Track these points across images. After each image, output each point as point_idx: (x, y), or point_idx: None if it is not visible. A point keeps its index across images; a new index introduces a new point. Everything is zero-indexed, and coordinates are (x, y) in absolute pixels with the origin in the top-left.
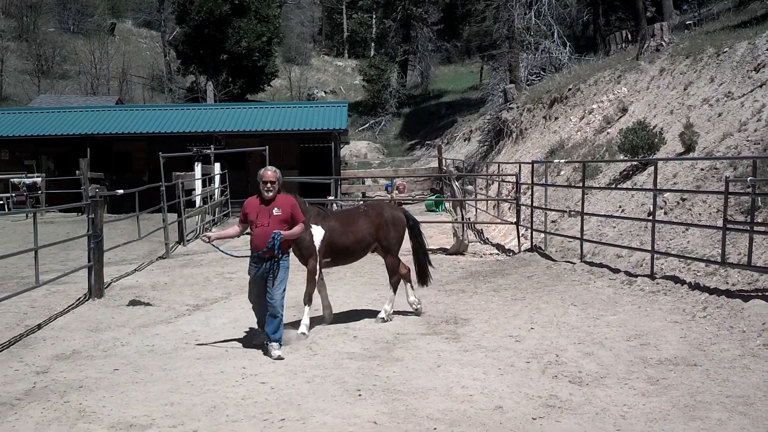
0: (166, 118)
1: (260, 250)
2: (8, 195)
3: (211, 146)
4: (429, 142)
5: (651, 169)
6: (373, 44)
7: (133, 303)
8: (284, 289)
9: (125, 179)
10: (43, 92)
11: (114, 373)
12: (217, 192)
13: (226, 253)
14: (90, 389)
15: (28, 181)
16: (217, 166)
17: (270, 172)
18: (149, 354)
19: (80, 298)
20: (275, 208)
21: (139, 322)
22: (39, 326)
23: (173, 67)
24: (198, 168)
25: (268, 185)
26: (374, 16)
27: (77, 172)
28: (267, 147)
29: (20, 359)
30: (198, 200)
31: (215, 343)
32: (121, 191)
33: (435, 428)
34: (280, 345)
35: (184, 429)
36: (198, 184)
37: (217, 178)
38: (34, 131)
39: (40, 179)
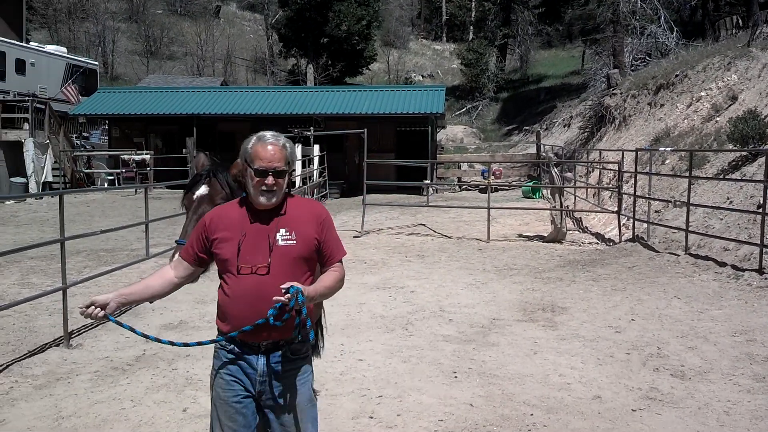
0: (268, 100)
1: (250, 327)
2: (119, 171)
3: (311, 128)
4: (527, 127)
5: (761, 159)
6: (471, 28)
7: None
8: None
9: (229, 158)
10: (152, 72)
11: None
12: (315, 173)
13: (148, 337)
14: (196, 358)
15: (137, 157)
16: (316, 147)
17: (273, 147)
18: None
19: None
20: (282, 230)
21: None
22: None
23: (275, 50)
24: (298, 149)
25: (269, 178)
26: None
27: (183, 150)
28: (365, 129)
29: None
30: (298, 180)
31: None
32: None
33: (532, 414)
34: None
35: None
36: (298, 165)
37: (316, 160)
38: (144, 110)
39: (148, 156)
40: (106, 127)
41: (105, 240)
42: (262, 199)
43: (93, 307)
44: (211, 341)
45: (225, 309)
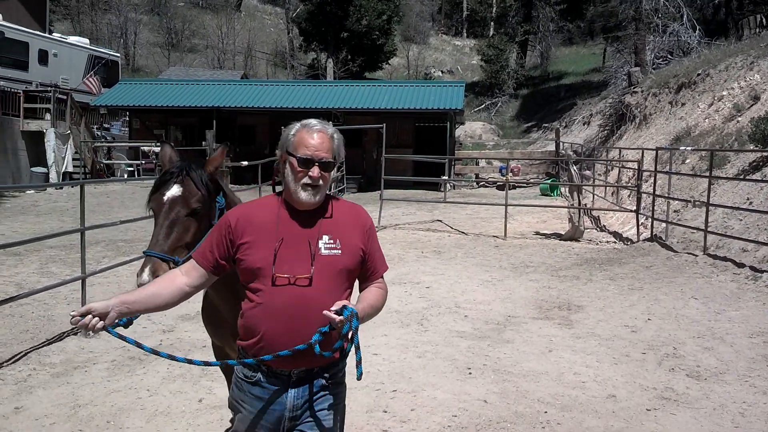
0: (288, 94)
1: (288, 353)
2: (139, 162)
3: (330, 122)
4: (546, 124)
5: None
6: (492, 24)
7: None
8: None
9: (248, 151)
10: (173, 65)
11: None
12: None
13: (158, 354)
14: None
15: (157, 149)
16: None
17: (320, 135)
18: None
19: None
20: (326, 236)
21: None
22: None
23: (295, 44)
24: None
25: (315, 169)
26: None
27: (203, 143)
28: (384, 125)
29: (148, 318)
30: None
31: None
32: (245, 163)
33: (546, 411)
34: None
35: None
36: None
37: None
38: (164, 102)
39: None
40: (127, 119)
41: (124, 230)
42: (304, 195)
43: (90, 316)
44: (240, 363)
45: (253, 326)
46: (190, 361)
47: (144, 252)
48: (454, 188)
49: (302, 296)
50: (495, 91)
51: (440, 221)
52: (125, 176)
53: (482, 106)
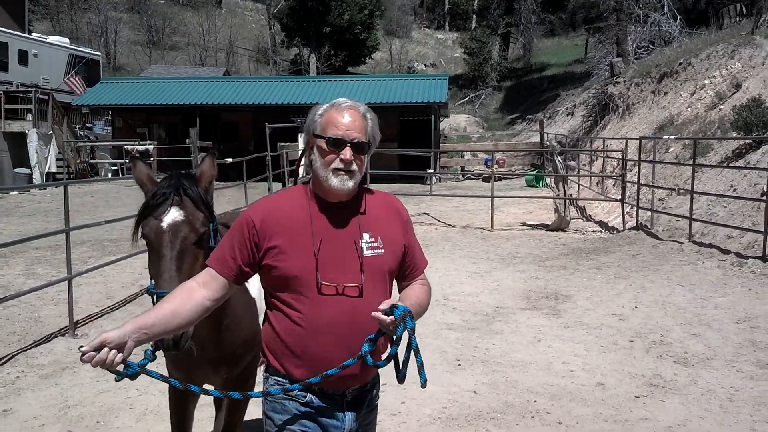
0: (271, 90)
1: (336, 371)
2: (122, 161)
3: None
4: (530, 116)
5: (765, 147)
6: (474, 16)
7: None
8: None
9: (232, 148)
10: (154, 63)
11: None
12: None
13: (190, 388)
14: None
15: (140, 148)
16: None
17: (352, 113)
18: None
19: None
20: (366, 234)
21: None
22: None
23: (277, 40)
24: (301, 139)
25: (347, 151)
26: None
27: (187, 140)
28: None
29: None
30: (301, 170)
31: None
32: (229, 160)
33: (535, 401)
34: None
35: None
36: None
37: None
38: (146, 100)
39: (151, 147)
40: (109, 118)
41: (109, 230)
42: (335, 182)
43: (105, 350)
44: (284, 391)
45: (297, 344)
46: (227, 395)
47: (148, 290)
48: (440, 181)
49: (353, 308)
50: (478, 84)
51: (427, 214)
52: (109, 175)
53: (466, 98)
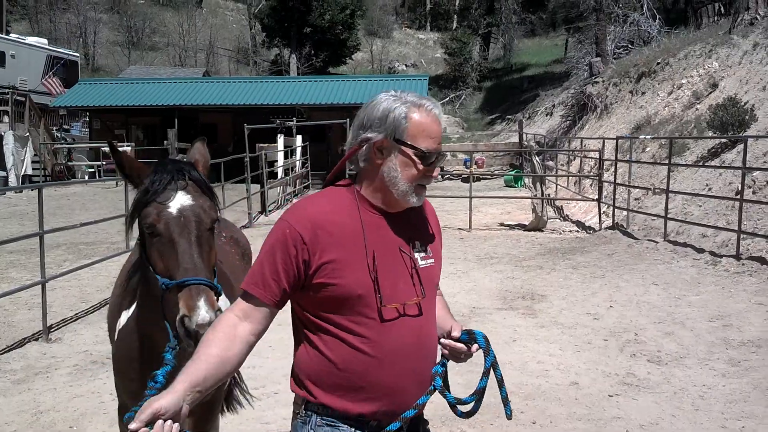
0: (251, 91)
1: (413, 413)
2: (99, 163)
3: (294, 118)
4: (510, 116)
5: (741, 146)
6: (455, 17)
7: None
8: None
9: (211, 150)
10: (133, 63)
11: None
12: (298, 164)
13: None
14: None
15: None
16: (298, 138)
17: (438, 120)
18: None
19: None
20: (417, 243)
21: None
22: None
23: (258, 40)
24: (281, 140)
25: (438, 170)
26: None
27: (165, 142)
28: (348, 120)
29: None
30: (280, 172)
31: None
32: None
33: (509, 401)
34: None
35: (264, 391)
36: (280, 156)
37: (299, 151)
38: (125, 101)
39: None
40: (87, 119)
41: (85, 233)
42: (415, 200)
43: (160, 422)
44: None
45: (362, 375)
46: None
47: (182, 282)
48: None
49: (418, 328)
50: (459, 84)
51: None
52: (86, 177)
53: (446, 99)
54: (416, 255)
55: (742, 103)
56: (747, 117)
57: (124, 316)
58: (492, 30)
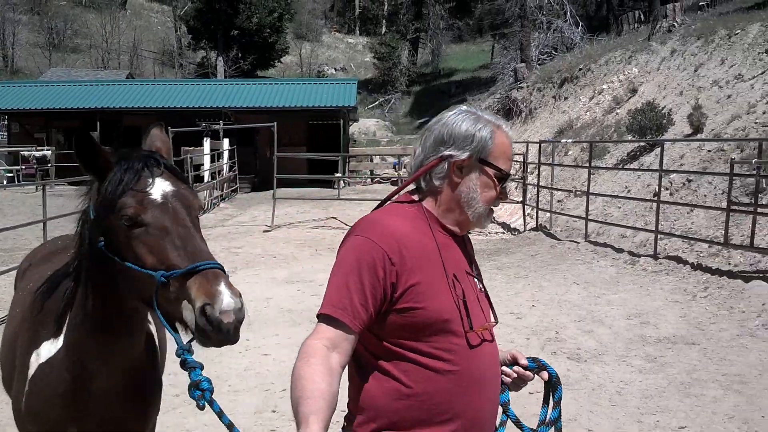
0: (176, 93)
1: None
2: (18, 167)
3: (220, 122)
4: None
5: (658, 150)
6: (384, 21)
7: None
8: None
9: None
10: (54, 66)
11: None
12: (225, 167)
13: None
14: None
15: (38, 154)
16: (225, 141)
17: (510, 136)
18: None
19: None
20: (473, 265)
21: None
22: None
23: (184, 42)
24: (207, 143)
25: (506, 180)
26: None
27: None
28: (275, 123)
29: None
30: (206, 175)
31: None
32: None
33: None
34: None
35: (186, 398)
36: (206, 159)
37: (226, 154)
38: (45, 104)
39: (49, 152)
40: (5, 123)
41: (3, 239)
42: (487, 223)
43: None
44: None
45: (450, 405)
46: None
47: (193, 268)
48: (348, 185)
49: (493, 355)
50: (388, 88)
51: (335, 218)
52: (4, 182)
53: (375, 103)
54: (476, 277)
55: (660, 108)
56: (665, 121)
57: (46, 349)
58: (420, 35)
